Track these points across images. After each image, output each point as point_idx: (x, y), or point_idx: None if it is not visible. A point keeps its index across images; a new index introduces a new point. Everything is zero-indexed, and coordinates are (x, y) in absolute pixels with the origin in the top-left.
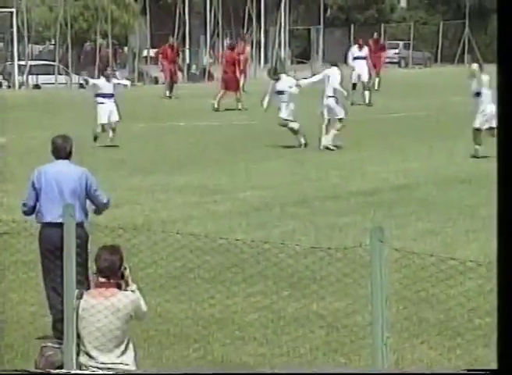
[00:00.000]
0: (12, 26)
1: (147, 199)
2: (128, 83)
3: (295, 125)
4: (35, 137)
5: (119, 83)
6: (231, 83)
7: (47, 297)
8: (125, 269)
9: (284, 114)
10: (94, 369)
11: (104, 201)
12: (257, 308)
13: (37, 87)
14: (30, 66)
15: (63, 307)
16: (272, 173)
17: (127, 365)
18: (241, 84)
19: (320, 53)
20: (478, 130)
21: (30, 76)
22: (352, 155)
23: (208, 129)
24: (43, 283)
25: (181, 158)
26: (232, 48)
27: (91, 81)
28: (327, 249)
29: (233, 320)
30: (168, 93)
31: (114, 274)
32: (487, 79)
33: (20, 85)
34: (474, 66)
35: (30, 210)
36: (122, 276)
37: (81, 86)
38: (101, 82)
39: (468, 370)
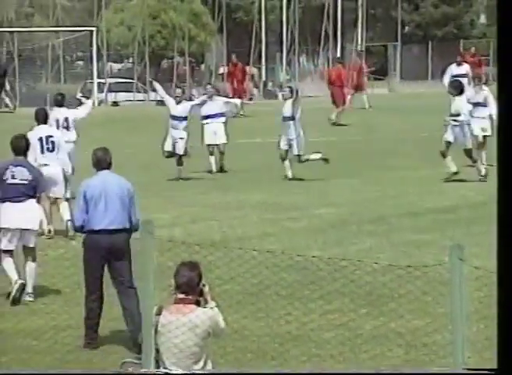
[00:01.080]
0: (91, 45)
1: (223, 216)
2: (238, 101)
3: None
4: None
5: (227, 102)
6: (338, 98)
7: (87, 299)
8: (204, 285)
9: None
10: None
11: (138, 216)
12: (335, 325)
13: (115, 104)
14: (109, 83)
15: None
16: (348, 190)
17: None
18: (348, 99)
19: (397, 70)
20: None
21: (108, 94)
22: (429, 171)
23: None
24: (85, 290)
25: (256, 175)
26: (340, 62)
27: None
28: (406, 267)
29: (310, 337)
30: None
31: (192, 290)
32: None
33: (100, 102)
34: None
35: (83, 222)
36: (201, 293)
37: (159, 102)
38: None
39: (468, 370)
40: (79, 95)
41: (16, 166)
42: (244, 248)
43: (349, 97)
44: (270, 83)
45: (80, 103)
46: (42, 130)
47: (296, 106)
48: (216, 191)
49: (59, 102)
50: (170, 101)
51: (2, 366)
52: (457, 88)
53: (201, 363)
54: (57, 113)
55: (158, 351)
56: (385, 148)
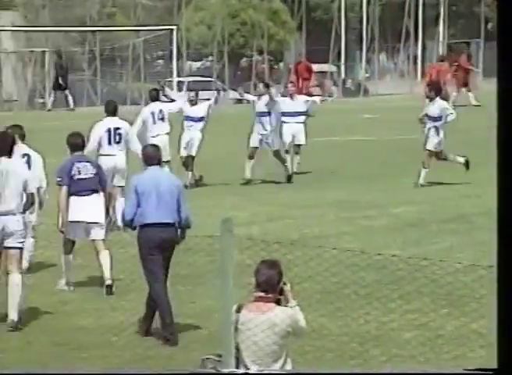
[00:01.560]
0: (171, 44)
1: (300, 214)
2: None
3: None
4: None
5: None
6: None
7: (152, 292)
8: (284, 284)
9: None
10: None
11: (187, 212)
12: (415, 325)
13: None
14: (188, 82)
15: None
16: (426, 188)
17: None
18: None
19: (480, 67)
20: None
21: (187, 92)
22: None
23: (362, 144)
24: (147, 282)
25: (334, 173)
26: (441, 60)
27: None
28: (488, 267)
29: (390, 337)
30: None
31: (272, 289)
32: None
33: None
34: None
35: (133, 216)
36: (282, 292)
37: (238, 101)
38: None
39: (468, 370)
40: (167, 91)
41: (80, 161)
42: (323, 247)
43: (454, 94)
44: (349, 81)
45: (170, 99)
46: (111, 122)
47: (273, 102)
48: (293, 190)
49: (154, 97)
50: (184, 103)
51: (84, 361)
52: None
53: (281, 362)
54: (153, 106)
55: (237, 348)
56: (468, 146)
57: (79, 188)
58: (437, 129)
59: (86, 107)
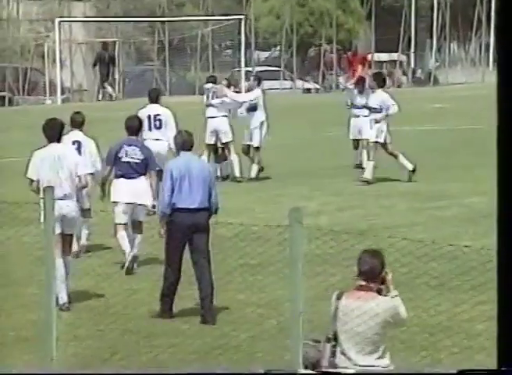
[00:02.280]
0: (240, 34)
1: (371, 204)
2: None
3: None
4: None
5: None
6: None
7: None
8: (386, 273)
9: None
10: (350, 371)
11: (217, 198)
12: (487, 316)
13: (262, 92)
14: (256, 71)
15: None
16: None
17: (384, 368)
18: None
19: None
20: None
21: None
22: None
23: (432, 133)
24: (165, 266)
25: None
26: None
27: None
28: None
29: (461, 329)
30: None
31: (374, 278)
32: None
33: (247, 91)
34: None
35: (170, 203)
36: (383, 281)
37: (306, 91)
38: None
39: (468, 370)
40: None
41: (129, 145)
42: (393, 237)
43: None
44: (419, 71)
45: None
46: (151, 109)
47: (260, 96)
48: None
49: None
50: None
51: (155, 349)
52: None
53: (380, 352)
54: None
55: (335, 336)
56: None
57: (125, 171)
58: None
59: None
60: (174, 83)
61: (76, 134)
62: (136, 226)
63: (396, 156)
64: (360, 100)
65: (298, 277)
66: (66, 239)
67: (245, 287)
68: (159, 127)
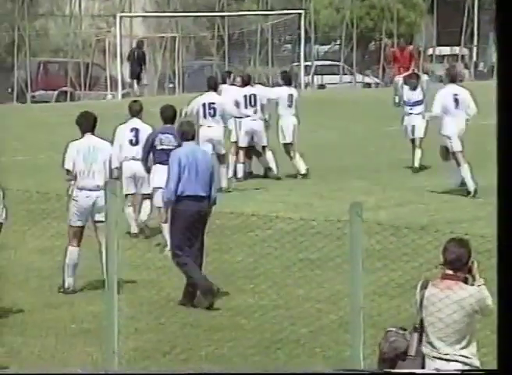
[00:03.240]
0: (299, 28)
1: (432, 199)
2: None
3: None
4: (320, 136)
5: None
6: None
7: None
8: (473, 263)
9: None
10: (436, 360)
11: (216, 187)
12: None
13: (321, 87)
14: (316, 66)
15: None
16: None
17: (469, 358)
18: None
19: None
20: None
21: (315, 77)
22: None
23: (495, 128)
24: (172, 254)
25: (466, 159)
26: None
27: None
28: None
29: None
30: None
31: (461, 267)
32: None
33: (306, 85)
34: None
35: (177, 189)
36: (470, 270)
37: (366, 85)
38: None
39: (468, 370)
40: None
41: (164, 133)
42: (455, 232)
43: None
44: (481, 64)
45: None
46: (207, 97)
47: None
48: (424, 175)
49: (287, 81)
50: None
51: (215, 343)
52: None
53: (464, 342)
54: (281, 91)
55: (421, 324)
56: None
57: (161, 158)
58: None
59: None
60: (233, 78)
61: (135, 122)
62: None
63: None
64: (411, 96)
65: (358, 272)
66: (99, 227)
67: (304, 282)
68: (213, 115)
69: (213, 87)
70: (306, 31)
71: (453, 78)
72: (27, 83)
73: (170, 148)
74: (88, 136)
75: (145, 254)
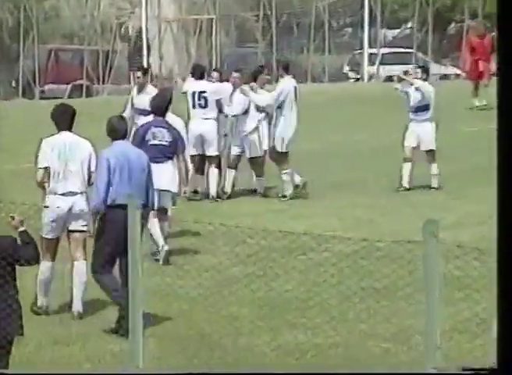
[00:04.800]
0: (362, 8)
1: None
2: None
3: None
4: (381, 136)
5: None
6: None
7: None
8: None
9: None
10: None
11: (153, 192)
12: None
13: (389, 79)
14: (382, 54)
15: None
16: None
17: None
18: None
19: None
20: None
21: (381, 67)
22: None
23: None
24: (96, 272)
25: None
26: None
27: None
28: None
29: None
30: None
31: None
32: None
33: (370, 77)
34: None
35: (107, 196)
36: None
37: (443, 77)
38: None
39: (468, 370)
40: (346, 69)
41: (157, 126)
42: None
43: None
44: None
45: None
46: (196, 85)
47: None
48: None
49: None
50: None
51: None
52: None
53: None
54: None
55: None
56: None
57: (152, 154)
58: None
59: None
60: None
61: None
62: (160, 213)
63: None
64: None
65: (434, 304)
66: (74, 238)
67: (367, 316)
68: (204, 106)
69: (200, 75)
70: (370, 12)
71: None
72: (35, 75)
73: (163, 143)
74: (64, 133)
75: (164, 279)
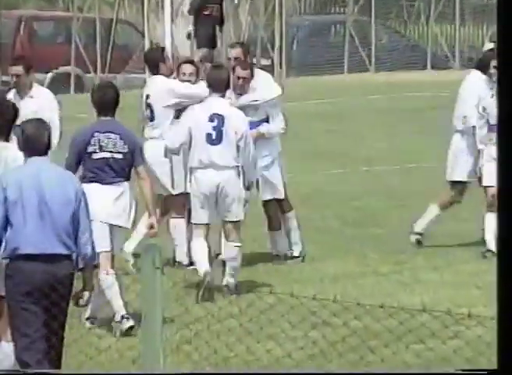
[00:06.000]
0: None
1: None
2: None
3: None
4: None
5: None
6: None
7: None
8: None
9: None
10: None
11: (88, 236)
12: None
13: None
14: None
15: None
16: None
17: None
18: None
19: None
20: None
21: None
22: None
23: None
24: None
25: None
26: None
27: None
28: None
29: None
30: None
31: None
32: None
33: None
34: None
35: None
36: None
37: None
38: None
39: (468, 370)
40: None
41: (104, 132)
42: None
43: None
44: None
45: None
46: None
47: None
48: None
49: None
50: None
51: None
52: None
53: None
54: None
55: None
56: None
57: (99, 172)
58: None
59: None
60: (384, 46)
61: (216, 103)
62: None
63: None
64: None
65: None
66: None
67: None
68: (152, 119)
69: (155, 70)
70: None
71: None
72: None
73: (115, 156)
74: None
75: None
